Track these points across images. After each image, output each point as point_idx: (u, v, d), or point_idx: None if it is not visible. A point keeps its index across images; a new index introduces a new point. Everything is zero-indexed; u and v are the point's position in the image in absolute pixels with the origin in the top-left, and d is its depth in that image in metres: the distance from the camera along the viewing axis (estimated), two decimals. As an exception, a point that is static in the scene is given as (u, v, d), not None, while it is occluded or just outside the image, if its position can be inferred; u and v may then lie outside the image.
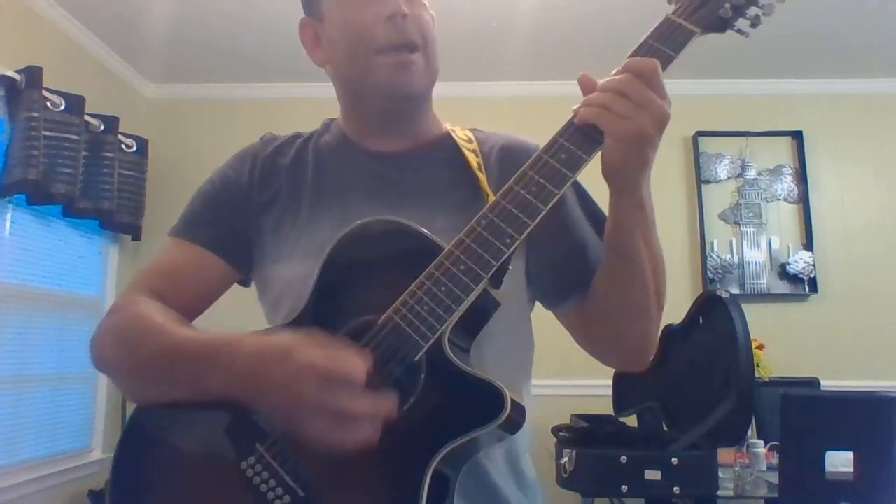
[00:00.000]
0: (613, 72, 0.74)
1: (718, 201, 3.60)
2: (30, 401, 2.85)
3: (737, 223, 3.58)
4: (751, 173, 3.61)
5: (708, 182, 3.60)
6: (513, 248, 0.71)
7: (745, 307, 2.22)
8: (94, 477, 3.17)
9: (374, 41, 0.86)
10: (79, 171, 2.80)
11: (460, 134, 0.95)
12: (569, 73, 4.26)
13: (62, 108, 2.72)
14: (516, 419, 0.69)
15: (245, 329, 0.77)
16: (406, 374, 0.70)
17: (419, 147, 0.93)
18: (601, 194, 0.83)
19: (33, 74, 2.59)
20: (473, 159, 0.90)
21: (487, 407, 0.67)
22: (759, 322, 2.80)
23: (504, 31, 3.12)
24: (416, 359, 0.70)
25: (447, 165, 0.91)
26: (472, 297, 0.70)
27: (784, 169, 3.62)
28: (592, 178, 0.80)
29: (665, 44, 0.76)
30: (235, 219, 0.90)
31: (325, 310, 0.77)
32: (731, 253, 3.55)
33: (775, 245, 3.54)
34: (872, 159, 3.61)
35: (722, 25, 0.78)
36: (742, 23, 0.79)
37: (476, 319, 0.73)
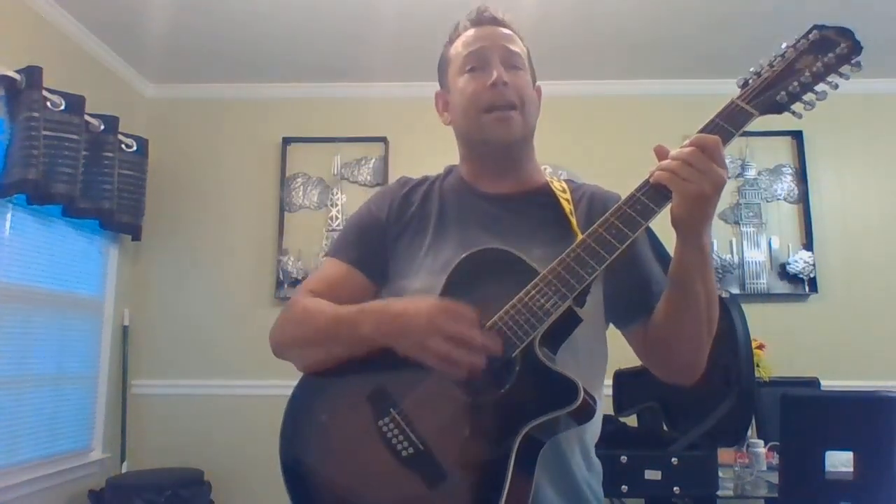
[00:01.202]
0: (684, 143, 0.92)
1: (719, 201, 3.59)
2: (30, 401, 2.85)
3: (737, 223, 3.58)
4: (751, 173, 3.61)
5: (708, 182, 3.60)
6: (594, 275, 0.91)
7: (745, 307, 2.22)
8: (94, 477, 3.17)
9: (481, 103, 1.10)
10: (79, 171, 2.80)
11: (556, 184, 1.18)
12: (568, 73, 4.23)
13: (62, 108, 2.72)
14: (588, 408, 0.88)
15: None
16: (505, 366, 0.91)
17: (522, 191, 1.16)
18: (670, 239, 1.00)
19: (33, 74, 2.59)
20: (566, 205, 1.12)
21: (566, 396, 0.87)
22: (759, 322, 2.79)
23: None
24: (513, 355, 0.90)
25: (545, 208, 1.13)
26: (560, 311, 0.90)
27: (784, 169, 3.62)
28: (665, 226, 0.98)
29: (728, 123, 0.94)
30: (374, 243, 1.15)
31: None
32: (731, 253, 3.55)
33: (775, 245, 3.54)
34: (872, 159, 3.62)
35: (779, 109, 0.97)
36: (797, 106, 0.96)
37: (562, 330, 0.94)
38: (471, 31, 1.17)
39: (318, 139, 3.68)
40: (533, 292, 0.92)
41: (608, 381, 2.71)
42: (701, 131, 0.94)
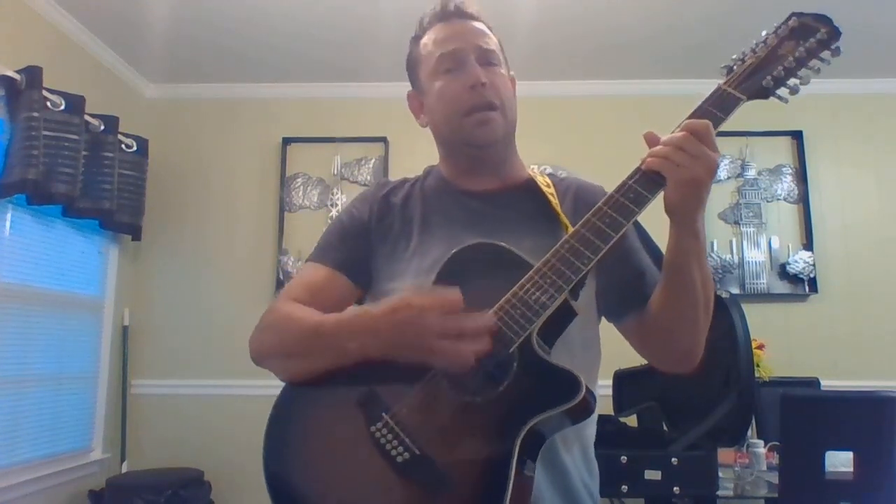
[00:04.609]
0: (674, 129, 0.92)
1: (718, 201, 3.60)
2: (30, 401, 2.85)
3: (737, 223, 3.58)
4: (751, 173, 3.61)
5: (708, 182, 3.60)
6: (589, 266, 0.89)
7: (745, 307, 2.22)
8: (94, 477, 3.17)
9: (461, 106, 1.09)
10: (79, 171, 2.80)
11: (540, 179, 1.16)
12: (569, 73, 4.23)
13: (62, 108, 2.72)
14: (589, 403, 0.85)
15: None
16: (503, 362, 0.87)
17: (507, 187, 1.14)
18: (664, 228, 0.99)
19: (33, 74, 2.59)
20: (552, 199, 1.11)
21: (567, 390, 0.84)
22: (759, 322, 2.80)
23: (504, 31, 3.11)
24: (511, 351, 0.87)
25: (531, 202, 1.12)
26: (556, 303, 0.88)
27: (784, 169, 3.62)
28: (657, 215, 0.97)
29: (718, 108, 0.95)
30: (359, 247, 1.13)
31: None
32: (731, 253, 3.55)
33: (775, 245, 3.54)
34: (872, 159, 3.61)
35: (765, 93, 0.97)
36: (782, 90, 0.97)
37: (558, 324, 0.91)
38: (440, 27, 1.14)
39: (318, 139, 3.68)
40: (528, 286, 0.89)
41: (608, 382, 2.72)
42: (690, 117, 0.93)
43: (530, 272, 0.90)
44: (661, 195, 0.91)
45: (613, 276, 1.05)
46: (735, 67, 0.99)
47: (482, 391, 0.87)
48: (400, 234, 1.12)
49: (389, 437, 0.88)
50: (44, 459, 2.88)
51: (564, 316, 0.91)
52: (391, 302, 0.91)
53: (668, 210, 0.92)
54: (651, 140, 0.93)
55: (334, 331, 0.95)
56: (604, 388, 2.73)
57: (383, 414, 0.89)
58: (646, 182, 0.91)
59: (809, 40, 0.97)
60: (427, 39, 1.15)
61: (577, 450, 1.02)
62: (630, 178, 0.93)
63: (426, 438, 0.87)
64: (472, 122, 1.08)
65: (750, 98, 0.97)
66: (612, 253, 0.90)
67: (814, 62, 0.97)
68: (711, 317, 1.02)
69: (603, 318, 1.14)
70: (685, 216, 0.92)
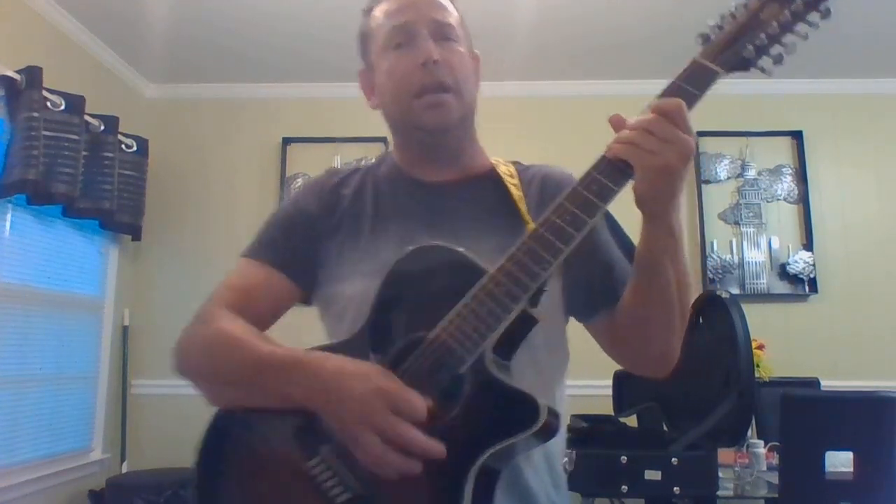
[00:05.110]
0: (642, 111, 0.81)
1: (718, 201, 3.60)
2: (30, 401, 2.85)
3: (737, 223, 3.58)
4: (751, 173, 3.61)
5: (708, 182, 3.61)
6: (549, 271, 0.78)
7: (745, 307, 2.22)
8: (94, 477, 3.17)
9: (411, 87, 0.97)
10: (79, 171, 2.80)
11: (503, 168, 1.05)
12: (569, 73, 4.24)
13: (62, 108, 2.72)
14: (551, 427, 0.75)
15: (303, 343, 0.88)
16: (452, 385, 0.77)
17: (466, 178, 1.04)
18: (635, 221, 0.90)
19: (33, 74, 2.59)
20: (515, 191, 1.00)
21: (524, 416, 0.74)
22: (759, 322, 2.80)
23: (504, 31, 3.12)
24: (461, 371, 0.77)
25: (492, 196, 1.01)
26: (512, 316, 0.77)
27: (784, 169, 3.62)
28: (627, 207, 0.87)
29: (691, 84, 0.83)
30: (302, 243, 1.01)
31: (382, 325, 0.86)
32: (731, 253, 3.55)
33: (775, 245, 3.54)
34: (872, 159, 3.61)
35: (745, 65, 0.85)
36: (765, 61, 0.85)
37: (517, 335, 0.80)
38: None
39: (318, 139, 3.68)
40: (481, 295, 0.78)
41: (608, 382, 2.72)
42: (661, 96, 0.82)
43: (483, 279, 0.80)
44: (630, 186, 0.81)
45: (581, 273, 0.95)
46: (712, 37, 0.87)
47: (430, 419, 0.76)
48: (350, 228, 1.01)
49: (327, 474, 0.78)
50: (44, 459, 2.88)
51: (523, 326, 0.80)
52: (351, 363, 0.80)
53: (638, 202, 0.81)
54: (616, 123, 0.83)
55: (276, 374, 0.83)
56: (604, 388, 2.74)
57: (320, 447, 0.79)
58: (611, 172, 0.80)
59: (795, 1, 0.84)
60: (378, 11, 1.03)
61: (541, 464, 0.93)
62: (594, 168, 0.82)
63: (367, 476, 0.76)
64: (423, 105, 0.97)
65: (729, 71, 0.85)
66: (577, 251, 0.80)
67: (801, 26, 0.85)
68: (687, 320, 0.93)
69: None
70: (657, 209, 0.81)
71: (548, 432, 0.75)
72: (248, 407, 0.87)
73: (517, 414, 0.74)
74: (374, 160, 1.13)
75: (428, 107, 0.97)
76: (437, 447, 0.73)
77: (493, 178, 1.03)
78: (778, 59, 0.86)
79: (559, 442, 0.96)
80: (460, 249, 0.85)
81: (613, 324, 0.95)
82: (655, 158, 0.77)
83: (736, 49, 0.85)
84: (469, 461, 0.73)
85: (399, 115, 1.02)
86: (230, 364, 0.89)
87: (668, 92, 0.83)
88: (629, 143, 0.79)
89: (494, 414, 0.76)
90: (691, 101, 0.82)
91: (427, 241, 0.88)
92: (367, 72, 1.07)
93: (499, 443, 0.73)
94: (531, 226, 0.84)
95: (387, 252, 0.92)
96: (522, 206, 0.98)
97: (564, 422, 0.93)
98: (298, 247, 1.01)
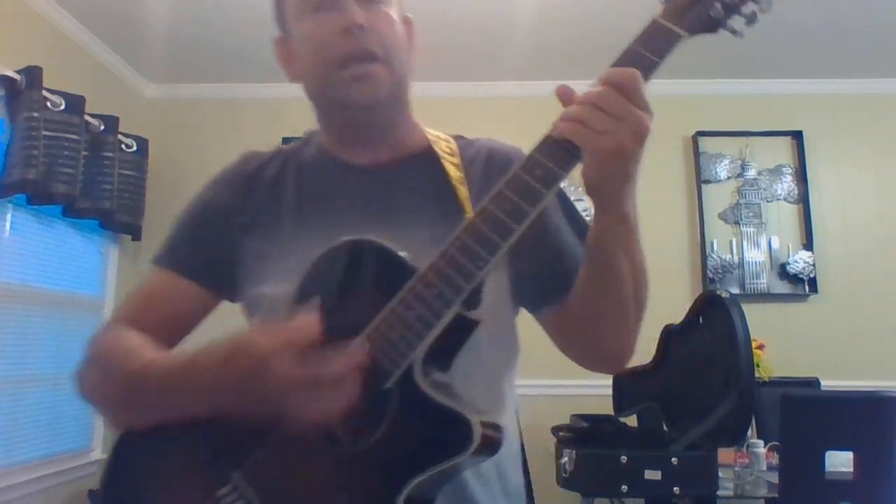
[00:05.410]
0: (593, 82, 0.70)
1: (718, 201, 3.60)
2: (29, 401, 2.85)
3: (737, 223, 3.58)
4: (751, 173, 3.61)
5: (708, 182, 3.60)
6: (485, 270, 0.68)
7: (745, 307, 2.22)
8: (94, 477, 3.17)
9: (333, 56, 0.85)
10: (79, 171, 2.80)
11: (443, 145, 0.93)
12: (569, 73, 4.25)
13: (62, 108, 2.72)
14: (491, 443, 0.67)
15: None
16: (377, 402, 0.68)
17: (399, 159, 0.92)
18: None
19: (33, 74, 2.59)
20: (455, 173, 0.89)
21: (456, 438, 0.65)
22: (759, 322, 2.80)
23: (504, 31, 3.12)
24: (388, 386, 0.68)
25: (428, 179, 0.89)
26: (444, 321, 0.68)
27: (784, 169, 3.62)
28: None
29: (649, 49, 0.72)
30: (214, 243, 0.90)
31: None
32: (731, 253, 3.55)
33: (775, 245, 3.54)
34: (872, 159, 3.61)
35: (713, 26, 0.73)
36: (738, 21, 0.73)
37: (452, 341, 0.71)
38: None
39: (318, 139, 3.68)
40: (409, 298, 0.69)
41: (608, 382, 2.72)
42: (615, 65, 0.72)
43: (412, 280, 0.70)
44: (577, 169, 0.72)
45: (527, 262, 0.85)
46: None
47: (353, 441, 0.68)
48: (270, 220, 0.90)
49: (240, 502, 0.71)
50: (43, 459, 2.88)
51: (460, 331, 0.70)
52: (225, 347, 0.71)
53: (587, 188, 0.71)
54: (564, 96, 0.73)
55: (159, 384, 0.76)
56: (604, 387, 2.74)
57: (232, 474, 0.72)
58: (557, 154, 0.70)
59: None
60: None
61: (490, 472, 0.83)
62: (537, 149, 0.71)
63: (284, 502, 0.70)
64: (347, 77, 0.84)
65: (693, 33, 0.73)
66: (524, 237, 0.70)
67: None
68: (643, 316, 0.85)
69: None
70: (608, 195, 0.72)
71: (488, 449, 0.67)
72: (151, 428, 0.78)
73: (448, 435, 0.65)
74: (298, 141, 1.00)
75: (353, 79, 0.84)
76: (357, 354, 0.67)
77: (430, 158, 0.91)
78: (751, 19, 0.73)
79: (511, 444, 0.87)
80: (386, 244, 0.74)
81: (564, 316, 0.87)
82: (606, 139, 0.67)
83: (702, 8, 0.72)
84: (395, 490, 0.64)
85: (320, 89, 0.89)
86: (115, 382, 0.81)
87: (623, 59, 0.72)
88: (576, 120, 0.69)
89: (423, 436, 0.67)
90: (649, 69, 0.71)
91: (350, 234, 0.76)
92: (284, 38, 0.94)
93: (428, 469, 0.65)
94: (469, 215, 0.74)
95: (312, 245, 0.80)
96: (462, 190, 0.87)
97: (513, 428, 0.89)
98: (209, 248, 0.90)
